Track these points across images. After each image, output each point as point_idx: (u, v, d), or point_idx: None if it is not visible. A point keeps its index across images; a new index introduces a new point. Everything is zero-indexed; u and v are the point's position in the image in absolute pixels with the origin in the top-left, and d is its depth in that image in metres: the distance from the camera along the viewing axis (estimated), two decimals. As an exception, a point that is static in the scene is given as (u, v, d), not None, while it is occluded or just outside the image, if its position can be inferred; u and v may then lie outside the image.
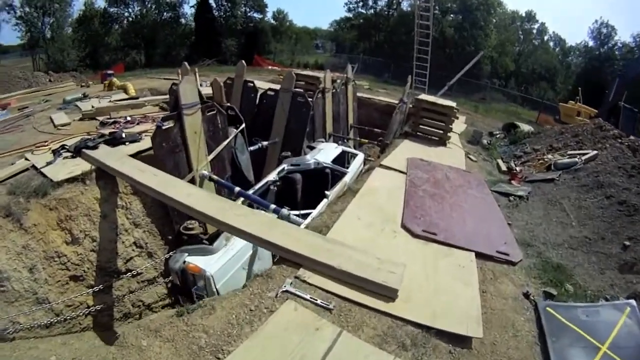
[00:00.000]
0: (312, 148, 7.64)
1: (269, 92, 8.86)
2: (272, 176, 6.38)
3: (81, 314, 4.60)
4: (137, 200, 5.50)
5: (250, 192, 5.81)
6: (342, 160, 7.96)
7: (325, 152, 7.37)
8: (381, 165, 6.24)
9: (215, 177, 5.87)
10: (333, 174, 6.80)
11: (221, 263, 4.11)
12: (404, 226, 4.28)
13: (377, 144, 9.14)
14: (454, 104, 8.44)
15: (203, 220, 3.97)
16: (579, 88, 18.61)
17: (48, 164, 5.21)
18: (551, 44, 36.90)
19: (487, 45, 28.71)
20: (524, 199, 5.88)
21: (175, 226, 5.57)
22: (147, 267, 5.47)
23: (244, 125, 6.85)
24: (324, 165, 6.83)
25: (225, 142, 6.36)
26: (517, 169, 7.48)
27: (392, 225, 4.29)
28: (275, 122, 8.66)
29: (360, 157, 7.81)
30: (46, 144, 5.90)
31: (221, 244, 4.33)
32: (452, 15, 29.92)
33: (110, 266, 5.19)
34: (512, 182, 6.70)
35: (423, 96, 9.09)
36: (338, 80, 10.02)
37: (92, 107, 7.64)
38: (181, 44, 28.53)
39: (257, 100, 9.02)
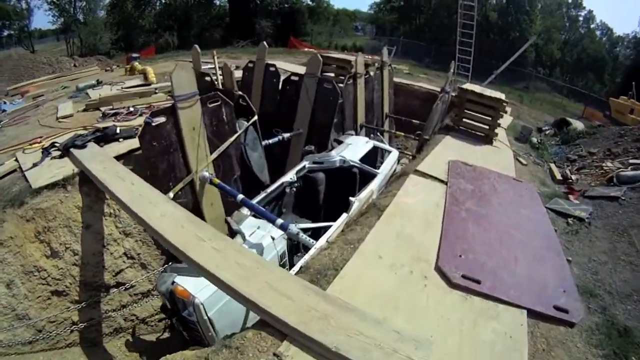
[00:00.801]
0: (339, 142, 6.56)
1: (293, 78, 7.80)
2: (290, 176, 5.44)
3: (65, 330, 4.32)
4: None
5: (262, 195, 4.93)
6: (373, 157, 6.85)
7: (353, 148, 6.31)
8: (416, 172, 5.08)
9: (216, 180, 4.98)
10: (362, 174, 5.77)
11: (215, 287, 3.23)
12: (438, 269, 3.19)
13: (415, 137, 7.84)
14: (503, 96, 7.09)
15: (173, 252, 3.11)
16: (633, 83, 16.03)
17: (34, 165, 4.70)
18: (598, 33, 34.83)
19: (532, 31, 26.93)
20: (585, 222, 4.86)
21: None
22: (141, 280, 4.97)
23: (256, 117, 5.88)
24: (351, 164, 5.80)
25: (233, 138, 5.44)
26: (573, 177, 6.48)
27: (423, 266, 3.21)
28: (299, 111, 7.65)
29: (394, 155, 6.66)
30: (40, 140, 5.34)
31: None
32: (495, -2, 28.13)
33: (96, 280, 4.66)
34: (570, 196, 5.60)
35: (468, 85, 7.70)
36: (373, 65, 8.74)
37: (99, 95, 7.02)
38: (215, 26, 27.56)
39: (280, 86, 8.02)
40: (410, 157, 8.00)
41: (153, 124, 4.48)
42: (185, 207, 4.71)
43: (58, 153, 4.90)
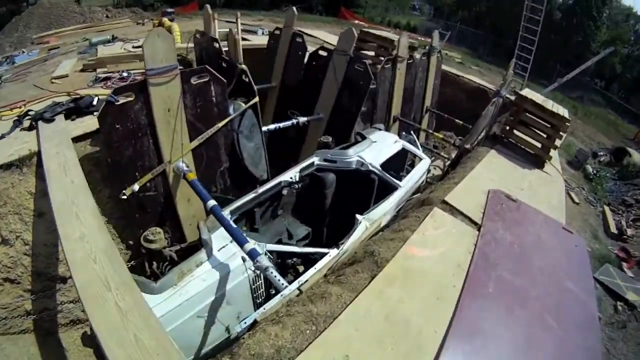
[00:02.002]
0: (362, 137, 5.41)
1: (321, 52, 6.63)
2: (291, 174, 4.48)
3: (19, 317, 3.86)
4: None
5: (250, 196, 4.07)
6: (400, 162, 5.66)
7: (377, 148, 5.11)
8: (444, 203, 3.89)
9: (191, 175, 4.08)
10: (380, 182, 4.69)
11: (163, 310, 2.84)
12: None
13: (454, 144, 6.44)
14: (566, 113, 5.63)
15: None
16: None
17: (1, 136, 4.09)
18: (666, 53, 30.18)
19: (597, 39, 24.40)
20: (637, 311, 3.70)
21: (137, 231, 4.19)
22: None
23: (257, 99, 4.85)
24: (370, 168, 4.68)
25: (222, 124, 4.48)
26: (629, 231, 5.25)
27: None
28: (322, 93, 6.57)
29: (424, 164, 5.41)
30: (20, 105, 4.72)
31: (169, 282, 2.98)
32: (563, -5, 25.16)
33: (50, 272, 4.11)
34: (624, 264, 4.46)
35: (528, 92, 6.09)
36: (419, 48, 7.28)
37: (102, 54, 6.36)
38: (264, -14, 26.12)
39: (306, 61, 6.91)
40: (444, 167, 6.63)
41: (117, 103, 3.65)
42: (155, 201, 4.25)
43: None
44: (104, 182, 4.07)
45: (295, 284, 3.03)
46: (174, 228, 4.50)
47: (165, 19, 9.67)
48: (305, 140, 6.86)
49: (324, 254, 3.59)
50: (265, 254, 3.29)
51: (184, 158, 4.27)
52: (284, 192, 4.46)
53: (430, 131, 7.09)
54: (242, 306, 3.31)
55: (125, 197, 3.90)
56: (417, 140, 6.01)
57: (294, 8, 7.06)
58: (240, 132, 4.70)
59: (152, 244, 3.73)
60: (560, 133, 5.35)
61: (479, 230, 3.50)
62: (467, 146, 5.83)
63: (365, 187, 4.79)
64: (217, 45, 5.67)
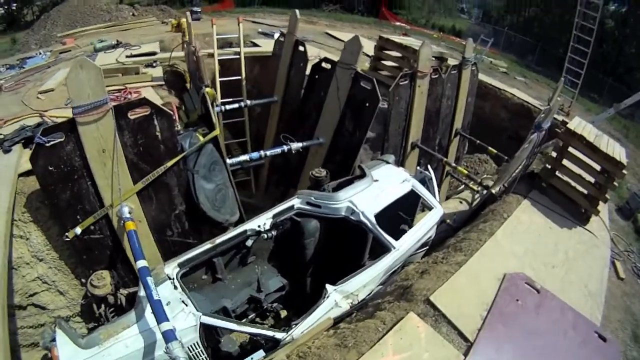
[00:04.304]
0: (362, 172, 4.43)
1: (324, 65, 5.66)
2: (262, 220, 3.77)
3: None
4: (38, 231, 3.94)
5: (204, 247, 3.50)
6: (406, 209, 4.57)
7: (377, 190, 4.12)
8: (428, 303, 2.83)
9: (130, 224, 3.50)
10: (373, 239, 3.81)
11: None
12: None
13: (480, 184, 5.12)
14: (623, 155, 4.30)
15: None
16: None
17: None
18: None
19: None
20: None
21: (87, 270, 3.93)
22: (59, 307, 4.20)
23: (217, 132, 4.11)
24: (361, 219, 3.74)
25: (171, 163, 3.82)
26: None
27: None
28: (324, 114, 5.68)
29: (434, 216, 4.24)
30: None
31: (95, 341, 2.86)
32: (615, 4, 21.97)
33: (7, 301, 3.92)
34: None
35: (578, 124, 4.63)
36: (446, 60, 6.02)
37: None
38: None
39: (308, 74, 6.03)
40: (470, 206, 5.36)
41: (47, 145, 3.28)
42: (102, 244, 3.87)
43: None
44: (53, 219, 3.84)
45: None
46: (125, 270, 4.11)
47: (183, 20, 9.19)
48: (304, 168, 6.02)
49: (269, 338, 3.01)
50: (200, 325, 2.94)
51: (128, 202, 3.76)
52: (248, 243, 3.76)
53: (454, 165, 5.76)
54: None
55: (68, 239, 3.62)
56: (433, 178, 4.81)
57: (297, 11, 6.09)
58: (195, 172, 4.02)
59: (96, 289, 3.64)
60: (614, 183, 4.05)
61: (466, 354, 2.44)
62: (495, 191, 4.56)
63: (358, 240, 3.95)
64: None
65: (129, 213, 3.67)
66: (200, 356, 3.04)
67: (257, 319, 4.45)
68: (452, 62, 6.71)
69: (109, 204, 3.66)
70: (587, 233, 4.16)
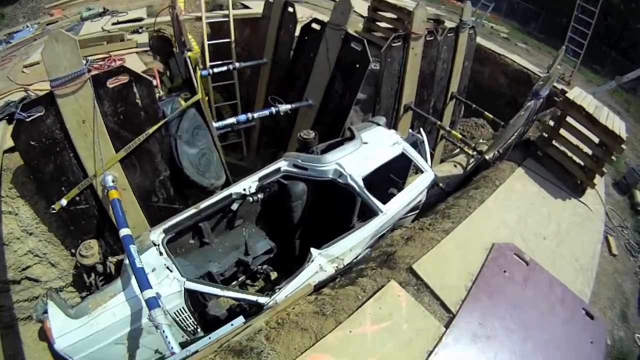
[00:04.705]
0: (352, 134, 4.33)
1: (314, 26, 5.43)
2: (248, 183, 3.71)
3: None
4: (26, 206, 3.96)
5: (188, 213, 3.46)
6: (397, 172, 4.52)
7: (366, 152, 4.02)
8: (410, 272, 2.78)
9: (114, 193, 3.51)
10: (362, 201, 3.76)
11: (79, 337, 2.85)
12: None
13: (475, 149, 4.96)
14: (623, 129, 4.11)
15: None
16: None
17: None
18: None
19: None
20: None
21: (76, 240, 3.96)
22: (52, 278, 4.29)
23: (199, 96, 3.97)
24: (349, 182, 3.68)
25: (152, 130, 3.72)
26: None
27: None
28: (313, 75, 5.51)
29: (424, 180, 4.17)
30: None
31: (84, 311, 2.93)
32: (621, -26, 20.92)
33: (1, 276, 4.03)
34: None
35: (576, 94, 4.37)
36: (443, 23, 5.74)
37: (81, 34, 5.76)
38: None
39: (297, 35, 5.82)
40: (465, 170, 5.25)
41: (27, 120, 3.24)
42: (88, 214, 3.87)
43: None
44: (39, 193, 3.85)
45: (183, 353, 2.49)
46: (113, 238, 4.13)
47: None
48: (293, 130, 5.92)
49: (253, 302, 3.06)
50: (185, 290, 2.98)
51: (112, 171, 3.72)
52: (234, 207, 3.73)
53: (448, 129, 5.60)
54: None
55: (54, 211, 3.61)
56: (425, 141, 4.68)
57: (287, -32, 5.72)
58: (178, 138, 3.93)
59: (85, 259, 3.67)
60: (612, 157, 3.88)
61: (447, 325, 2.41)
62: (491, 157, 4.42)
63: (346, 203, 3.90)
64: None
65: (113, 182, 3.65)
66: (187, 321, 3.11)
67: (248, 281, 4.52)
68: (449, 25, 6.36)
69: (93, 174, 3.63)
70: (581, 205, 4.07)
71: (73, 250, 4.07)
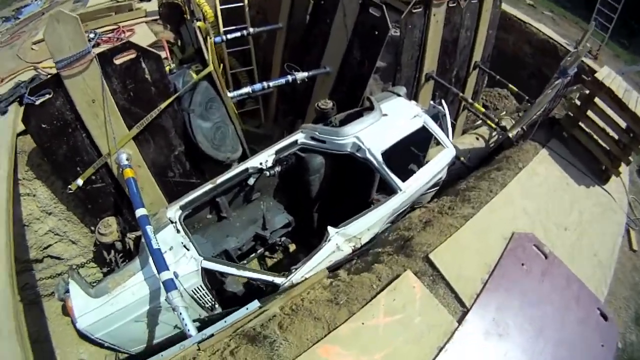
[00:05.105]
0: (371, 104, 4.11)
1: (330, -8, 5.05)
2: (264, 157, 3.65)
3: None
4: (43, 187, 4.01)
5: (205, 188, 3.45)
6: (417, 146, 4.40)
7: (385, 125, 3.86)
8: (427, 261, 2.74)
9: (129, 172, 3.52)
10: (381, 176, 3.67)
11: (99, 315, 2.95)
12: None
13: (498, 124, 4.71)
14: None
15: None
16: None
17: None
18: None
19: None
20: None
21: (94, 218, 4.07)
22: (73, 255, 4.42)
23: (210, 68, 3.82)
24: (367, 157, 3.56)
25: (164, 105, 3.64)
26: None
27: None
28: (330, 42, 5.21)
29: (446, 156, 3.99)
30: None
31: (104, 290, 3.01)
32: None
33: (24, 256, 4.18)
34: None
35: (607, 74, 4.00)
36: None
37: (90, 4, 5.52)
38: None
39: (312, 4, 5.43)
40: (488, 143, 5.04)
41: (37, 103, 3.23)
42: (105, 192, 3.94)
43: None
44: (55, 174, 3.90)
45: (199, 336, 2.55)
46: (131, 214, 4.15)
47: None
48: (311, 98, 5.71)
49: (269, 283, 3.11)
50: (202, 270, 3.01)
51: (126, 148, 3.72)
52: (250, 181, 3.72)
53: (470, 101, 5.30)
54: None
55: (71, 191, 3.68)
56: (447, 115, 4.45)
57: None
58: (191, 112, 3.85)
59: (104, 237, 3.72)
60: None
61: (460, 321, 2.40)
62: (511, 135, 4.21)
63: (365, 177, 3.86)
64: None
65: (127, 160, 3.66)
66: (205, 298, 3.19)
67: (266, 253, 4.63)
68: None
69: (107, 153, 3.64)
70: (605, 194, 3.88)
71: (92, 228, 4.20)
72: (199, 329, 2.64)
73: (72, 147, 3.52)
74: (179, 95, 3.71)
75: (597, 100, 3.88)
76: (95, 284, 3.24)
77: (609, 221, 3.68)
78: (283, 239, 4.25)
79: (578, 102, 4.09)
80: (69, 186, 3.61)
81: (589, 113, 4.02)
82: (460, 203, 3.40)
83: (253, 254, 4.32)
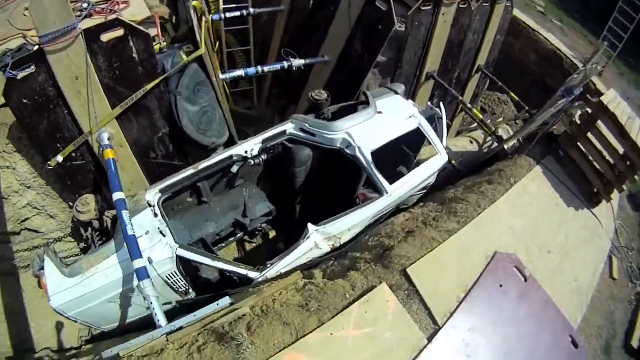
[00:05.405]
0: (366, 99, 4.02)
1: (336, -22, 4.85)
2: (250, 145, 3.55)
3: None
4: (23, 160, 3.95)
5: (187, 173, 3.36)
6: (411, 147, 4.29)
7: (379, 123, 3.76)
8: (404, 275, 2.69)
9: (109, 153, 3.40)
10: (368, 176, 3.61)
11: (72, 295, 2.89)
12: None
13: (494, 133, 4.60)
14: None
15: None
16: None
17: None
18: None
19: None
20: None
21: (73, 195, 3.96)
22: (51, 230, 4.38)
23: (202, 51, 3.66)
24: (357, 155, 3.48)
25: (150, 86, 3.49)
26: None
27: None
28: (332, 31, 5.07)
29: (437, 162, 3.90)
30: None
31: (78, 270, 2.93)
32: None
33: (1, 228, 4.17)
34: None
35: (611, 98, 3.92)
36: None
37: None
38: None
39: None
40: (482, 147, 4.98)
41: (19, 77, 3.11)
42: (85, 169, 3.84)
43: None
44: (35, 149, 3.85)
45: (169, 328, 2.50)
46: (111, 194, 4.12)
47: None
48: (306, 85, 5.56)
49: (243, 276, 3.06)
50: (177, 258, 2.95)
51: (108, 127, 3.58)
52: (234, 169, 3.60)
53: (469, 106, 5.19)
54: (160, 295, 3.00)
55: (51, 167, 3.60)
56: (444, 118, 4.32)
57: None
58: (178, 94, 3.70)
59: (82, 215, 3.57)
60: (636, 176, 3.60)
61: (430, 338, 2.36)
62: (507, 146, 4.12)
63: (353, 173, 3.77)
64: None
65: (109, 140, 3.53)
66: (179, 283, 3.13)
67: (246, 238, 4.57)
68: None
69: (88, 131, 3.49)
70: (593, 219, 3.85)
71: (71, 204, 4.07)
72: (170, 315, 2.61)
73: (53, 123, 3.38)
74: (166, 77, 3.57)
75: (599, 122, 3.80)
76: (70, 261, 3.15)
77: (593, 246, 3.65)
78: (263, 225, 4.21)
79: (579, 121, 4.00)
80: (49, 162, 3.51)
81: (588, 136, 3.95)
82: (446, 216, 3.35)
83: (232, 238, 4.28)
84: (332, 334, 2.30)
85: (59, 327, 3.75)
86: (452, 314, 2.49)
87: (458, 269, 2.79)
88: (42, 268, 2.94)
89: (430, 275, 2.68)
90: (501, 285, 2.72)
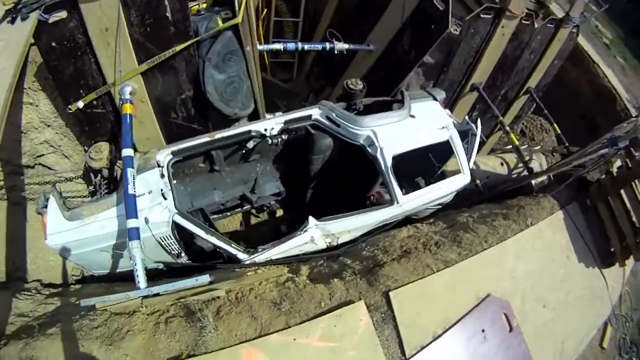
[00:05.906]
0: (402, 97, 3.86)
1: (396, -33, 4.56)
2: (271, 124, 3.52)
3: None
4: (46, 99, 4.00)
5: (203, 139, 3.38)
6: (440, 157, 4.07)
7: (409, 127, 3.61)
8: (384, 297, 2.62)
9: (127, 107, 3.41)
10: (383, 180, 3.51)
11: (68, 238, 2.99)
12: None
13: (526, 164, 4.29)
14: None
15: None
16: None
17: None
18: None
19: None
20: None
21: (90, 140, 4.07)
22: (64, 169, 4.51)
23: (238, 20, 3.52)
24: (377, 155, 3.37)
25: (180, 47, 3.44)
26: None
27: None
28: (382, 20, 4.87)
29: (458, 182, 3.71)
30: None
31: (78, 215, 3.02)
32: None
33: (16, 160, 4.30)
34: None
35: None
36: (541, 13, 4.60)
37: None
38: None
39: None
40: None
41: (50, 21, 3.10)
42: (104, 118, 3.90)
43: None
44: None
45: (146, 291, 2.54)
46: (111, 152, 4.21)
47: None
48: (347, 70, 5.44)
49: (232, 255, 3.11)
50: (172, 223, 3.01)
51: (132, 82, 3.60)
52: (250, 144, 3.60)
53: (507, 129, 4.84)
54: (152, 254, 3.09)
55: (71, 111, 3.66)
56: (478, 136, 4.01)
57: None
58: (207, 60, 3.63)
59: (93, 161, 3.69)
60: None
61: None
62: (534, 182, 3.86)
63: (371, 172, 3.69)
64: None
65: (130, 94, 3.54)
66: (172, 246, 3.20)
67: (253, 211, 4.60)
68: (555, 11, 5.20)
69: (112, 82, 3.52)
70: (601, 279, 3.57)
71: (86, 148, 4.18)
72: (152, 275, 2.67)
73: (79, 70, 3.42)
74: (197, 40, 3.50)
75: (635, 181, 3.47)
76: (74, 203, 3.27)
77: (592, 309, 3.42)
78: (272, 202, 4.22)
79: (615, 173, 3.66)
80: (69, 106, 3.58)
81: (622, 194, 3.61)
82: (449, 243, 3.19)
83: (238, 209, 4.31)
84: (294, 339, 2.28)
85: (54, 262, 3.89)
86: (422, 348, 2.40)
87: (443, 304, 2.66)
88: (45, 206, 3.02)
89: (413, 303, 2.58)
90: (483, 330, 2.58)
